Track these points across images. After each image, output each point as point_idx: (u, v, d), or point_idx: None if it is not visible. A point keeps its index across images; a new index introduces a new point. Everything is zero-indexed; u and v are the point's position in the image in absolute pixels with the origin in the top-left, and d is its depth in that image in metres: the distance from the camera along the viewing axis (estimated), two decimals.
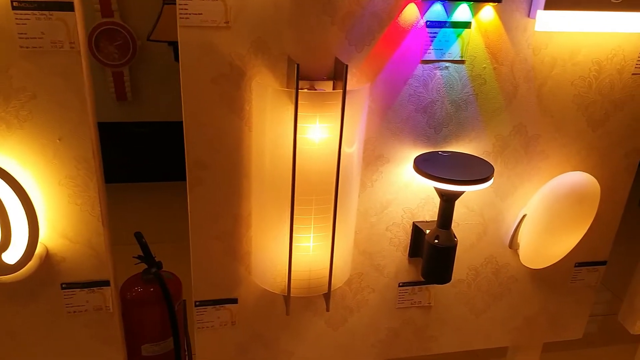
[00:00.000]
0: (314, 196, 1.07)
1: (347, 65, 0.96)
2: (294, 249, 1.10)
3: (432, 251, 1.18)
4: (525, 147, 1.23)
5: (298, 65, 0.94)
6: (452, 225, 1.28)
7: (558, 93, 1.19)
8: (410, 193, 1.23)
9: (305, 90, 1.04)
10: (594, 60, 1.18)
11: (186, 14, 0.96)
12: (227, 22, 0.98)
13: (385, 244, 1.28)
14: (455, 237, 1.18)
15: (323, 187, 1.07)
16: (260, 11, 0.99)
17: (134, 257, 1.66)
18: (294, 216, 1.06)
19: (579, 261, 1.43)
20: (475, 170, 1.09)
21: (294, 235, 1.08)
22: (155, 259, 1.65)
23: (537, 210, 1.22)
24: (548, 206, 1.20)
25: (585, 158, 1.28)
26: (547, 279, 1.43)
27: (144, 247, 1.62)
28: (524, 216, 1.26)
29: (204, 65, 1.01)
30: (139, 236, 1.64)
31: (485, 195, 1.27)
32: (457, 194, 1.12)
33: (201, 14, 0.97)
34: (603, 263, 1.45)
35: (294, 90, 0.96)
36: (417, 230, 1.26)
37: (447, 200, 1.14)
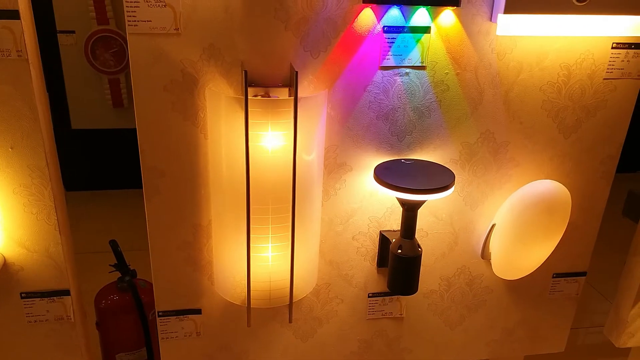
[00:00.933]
0: (271, 205, 1.05)
1: (297, 72, 0.94)
2: (252, 259, 1.08)
3: (395, 261, 1.15)
4: (494, 154, 1.20)
5: (246, 71, 0.93)
6: (421, 234, 1.26)
7: (526, 99, 1.16)
8: (376, 201, 1.20)
9: (259, 97, 1.03)
10: (562, 65, 1.14)
11: (135, 21, 0.95)
12: (177, 29, 0.97)
13: (352, 254, 1.25)
14: (420, 247, 1.15)
15: (280, 195, 1.05)
16: (211, 18, 0.98)
17: (110, 265, 1.66)
18: (251, 225, 1.04)
19: (557, 272, 1.39)
20: (436, 179, 1.06)
21: (251, 245, 1.06)
22: (130, 266, 1.64)
23: (505, 220, 1.19)
24: (516, 215, 1.17)
25: (559, 165, 1.24)
26: (524, 290, 1.39)
27: (118, 255, 1.62)
28: (493, 225, 1.23)
29: (155, 72, 1.00)
30: (113, 244, 1.64)
31: (454, 204, 1.23)
32: (418, 203, 1.09)
33: (150, 21, 0.96)
34: (583, 274, 1.41)
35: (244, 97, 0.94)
36: (384, 240, 1.23)
37: (409, 209, 1.11)
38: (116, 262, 1.61)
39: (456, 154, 1.18)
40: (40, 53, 3.17)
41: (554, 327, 1.48)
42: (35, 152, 1.02)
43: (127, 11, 0.94)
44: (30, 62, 0.96)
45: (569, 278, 1.40)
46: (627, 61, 1.16)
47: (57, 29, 3.09)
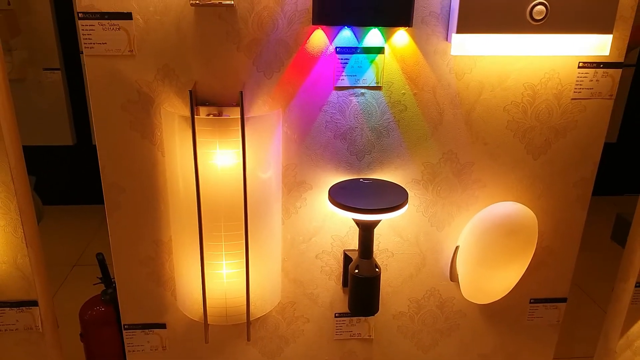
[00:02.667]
0: (223, 222, 1.07)
1: (241, 92, 0.96)
2: (207, 276, 1.09)
3: (354, 282, 1.14)
4: (458, 175, 1.18)
5: (191, 91, 0.95)
6: (387, 254, 1.24)
7: (489, 119, 1.14)
8: (338, 220, 1.19)
9: (211, 116, 1.05)
10: (526, 85, 1.12)
11: (90, 43, 1.00)
12: (131, 51, 1.01)
13: (316, 273, 1.25)
14: (378, 267, 1.13)
15: (232, 213, 1.06)
16: (164, 39, 1.01)
17: (97, 277, 1.70)
18: (204, 242, 1.06)
19: (535, 297, 1.34)
20: (388, 199, 1.05)
21: (205, 262, 1.08)
22: (113, 279, 1.68)
23: (468, 242, 1.16)
24: (477, 238, 1.14)
25: (528, 187, 1.21)
26: (499, 314, 1.34)
27: (103, 267, 1.66)
28: (457, 247, 1.20)
29: (112, 92, 1.04)
30: (99, 257, 1.68)
31: (420, 224, 1.22)
32: (372, 223, 1.08)
33: (105, 43, 1.00)
34: (563, 300, 1.35)
35: (195, 117, 0.97)
36: (347, 259, 1.22)
37: (365, 229, 1.10)
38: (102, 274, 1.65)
39: (418, 174, 1.17)
40: (65, 72, 3.28)
41: (535, 355, 1.42)
42: (0, 167, 1.07)
43: (83, 34, 0.99)
44: None
45: (548, 304, 1.35)
46: (596, 80, 1.13)
47: (80, 49, 3.23)
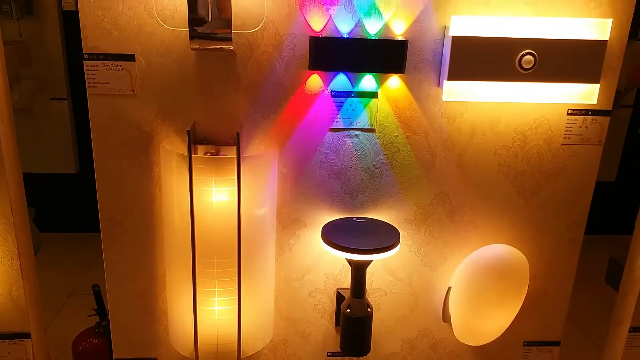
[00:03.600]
0: (216, 259, 1.08)
1: (238, 132, 0.99)
2: (199, 312, 1.09)
3: (345, 321, 1.14)
4: (450, 216, 1.19)
5: (189, 131, 0.98)
6: (379, 294, 1.25)
7: (480, 162, 1.16)
8: (331, 258, 1.21)
9: (209, 155, 1.07)
10: (517, 130, 1.15)
11: (94, 83, 1.03)
12: (133, 91, 1.04)
13: (309, 311, 1.25)
14: (370, 307, 1.14)
15: (226, 249, 1.07)
16: (165, 80, 1.04)
17: (92, 308, 1.71)
18: (197, 279, 1.07)
19: (528, 340, 1.33)
20: (380, 239, 1.06)
21: (198, 298, 1.08)
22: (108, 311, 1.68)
23: (459, 284, 1.17)
24: (469, 280, 1.15)
25: (520, 230, 1.22)
26: (492, 357, 1.34)
27: (98, 299, 1.66)
28: (449, 288, 1.21)
29: (113, 129, 1.07)
30: (95, 288, 1.69)
31: (412, 264, 1.23)
32: (364, 263, 1.09)
33: (108, 82, 1.03)
34: (556, 343, 1.35)
35: (193, 155, 1.00)
36: (340, 298, 1.23)
37: (357, 268, 1.11)
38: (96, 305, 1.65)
39: (411, 214, 1.18)
40: (72, 101, 3.32)
41: None
42: (0, 200, 1.09)
43: (87, 74, 1.02)
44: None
45: (541, 347, 1.34)
46: (585, 127, 1.16)
47: None
